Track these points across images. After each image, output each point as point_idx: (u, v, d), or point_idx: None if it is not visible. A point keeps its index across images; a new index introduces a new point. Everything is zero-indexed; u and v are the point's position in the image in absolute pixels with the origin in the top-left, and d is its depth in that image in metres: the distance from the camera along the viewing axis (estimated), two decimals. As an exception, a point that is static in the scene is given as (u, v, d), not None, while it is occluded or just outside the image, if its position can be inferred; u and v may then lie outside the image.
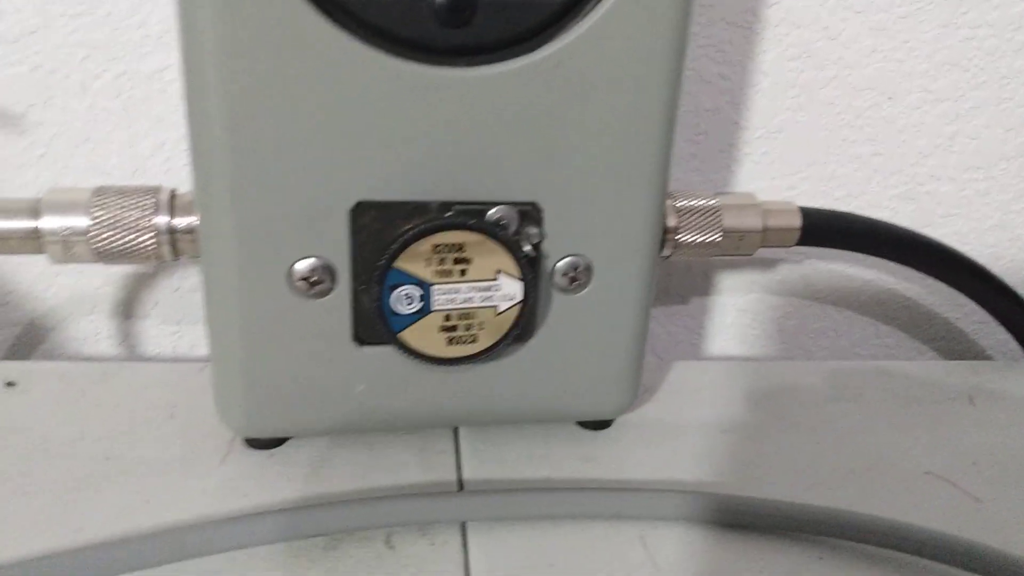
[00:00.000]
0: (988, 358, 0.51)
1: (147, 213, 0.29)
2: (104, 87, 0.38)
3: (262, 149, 0.25)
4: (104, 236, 0.29)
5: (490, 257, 0.28)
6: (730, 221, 0.34)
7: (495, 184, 0.27)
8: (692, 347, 0.49)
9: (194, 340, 0.44)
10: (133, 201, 0.30)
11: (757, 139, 0.43)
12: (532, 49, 0.26)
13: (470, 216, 0.27)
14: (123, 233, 0.29)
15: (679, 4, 0.26)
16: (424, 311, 0.28)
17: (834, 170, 0.45)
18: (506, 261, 0.28)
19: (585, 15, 0.26)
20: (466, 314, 0.28)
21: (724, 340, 0.49)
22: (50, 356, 0.43)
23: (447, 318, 0.28)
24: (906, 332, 0.50)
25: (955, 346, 0.51)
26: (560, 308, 0.30)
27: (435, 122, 0.26)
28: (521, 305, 0.29)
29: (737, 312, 0.48)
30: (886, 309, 0.49)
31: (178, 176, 0.40)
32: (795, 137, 0.44)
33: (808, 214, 0.36)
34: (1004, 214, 0.47)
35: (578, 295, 0.30)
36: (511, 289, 0.28)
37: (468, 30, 0.25)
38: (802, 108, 0.43)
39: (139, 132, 0.39)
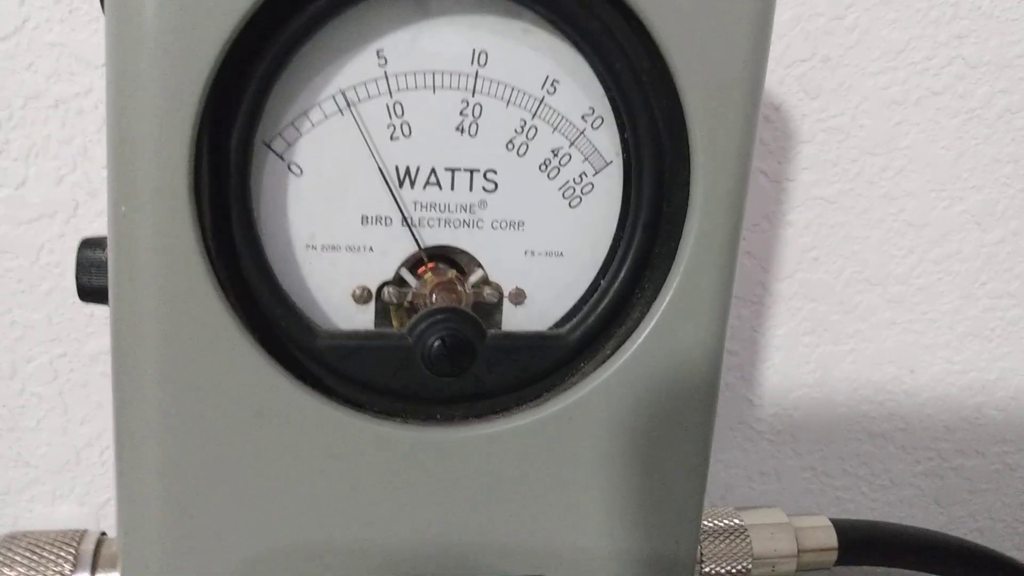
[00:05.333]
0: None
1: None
2: (38, 370, 0.33)
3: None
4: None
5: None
6: (761, 546, 0.30)
7: (494, 560, 0.22)
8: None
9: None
10: (50, 556, 0.24)
11: (771, 416, 0.39)
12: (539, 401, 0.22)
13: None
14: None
15: (717, 327, 0.22)
16: None
17: (856, 447, 0.41)
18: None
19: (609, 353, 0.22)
20: None
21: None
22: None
23: None
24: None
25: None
26: None
27: (421, 492, 0.21)
28: None
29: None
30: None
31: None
32: (812, 413, 0.40)
33: (843, 530, 0.32)
34: (1038, 488, 0.43)
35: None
36: None
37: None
38: (818, 383, 0.39)
39: (75, 419, 0.34)
